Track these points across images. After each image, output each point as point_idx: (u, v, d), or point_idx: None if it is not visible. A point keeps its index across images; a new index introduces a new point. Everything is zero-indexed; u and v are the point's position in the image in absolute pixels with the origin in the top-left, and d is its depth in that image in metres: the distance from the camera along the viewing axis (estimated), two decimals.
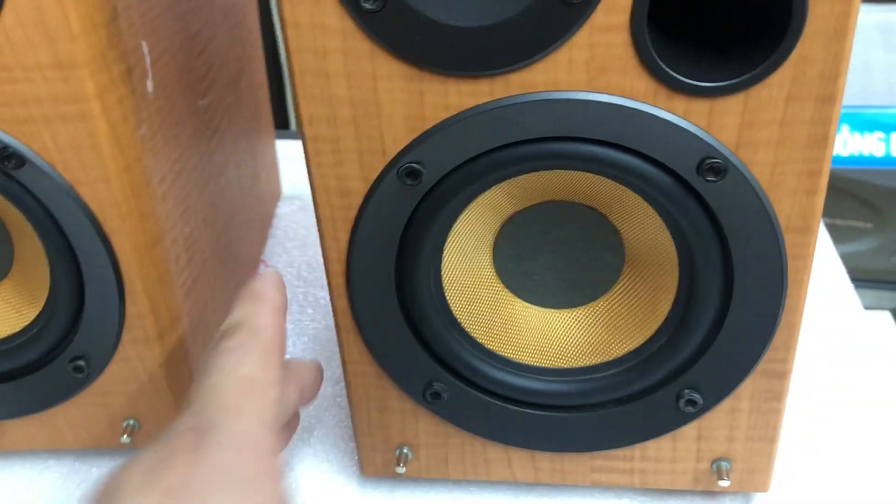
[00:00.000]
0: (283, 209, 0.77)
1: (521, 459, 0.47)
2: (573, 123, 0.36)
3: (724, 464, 0.46)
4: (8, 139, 0.40)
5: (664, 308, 0.42)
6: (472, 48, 0.34)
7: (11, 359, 0.48)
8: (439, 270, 0.42)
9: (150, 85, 0.44)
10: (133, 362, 0.47)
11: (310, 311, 0.64)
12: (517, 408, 0.45)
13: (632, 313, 0.43)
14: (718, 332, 0.41)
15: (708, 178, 0.36)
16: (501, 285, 0.44)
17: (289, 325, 0.62)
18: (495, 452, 0.47)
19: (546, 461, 0.47)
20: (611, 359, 0.44)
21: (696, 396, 0.42)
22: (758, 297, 0.39)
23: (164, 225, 0.46)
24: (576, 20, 0.33)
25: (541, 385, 0.44)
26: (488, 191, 0.40)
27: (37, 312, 0.47)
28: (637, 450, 0.46)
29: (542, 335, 0.45)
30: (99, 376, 0.48)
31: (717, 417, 0.44)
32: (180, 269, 0.49)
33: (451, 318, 0.43)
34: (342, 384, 0.56)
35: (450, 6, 0.33)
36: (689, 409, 0.43)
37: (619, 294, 0.44)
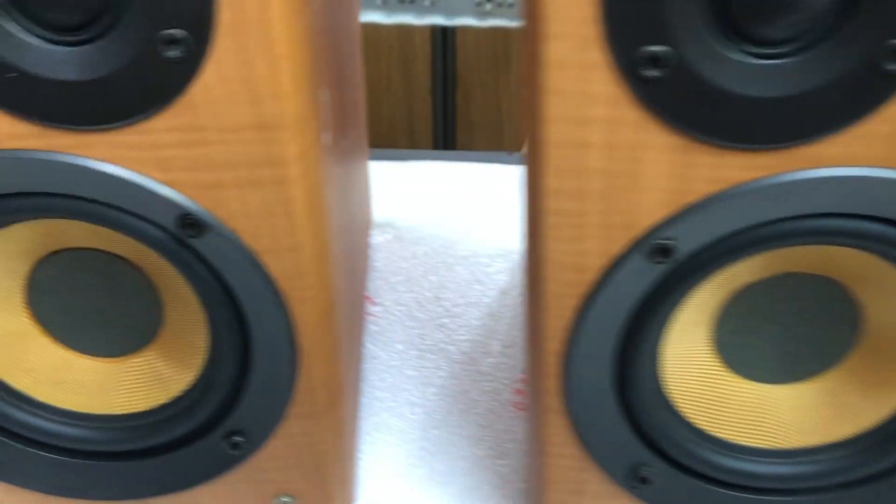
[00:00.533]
0: (376, 239, 0.73)
1: None
2: (861, 201, 0.32)
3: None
4: (191, 205, 0.35)
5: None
6: (761, 119, 0.30)
7: (158, 433, 0.43)
8: (656, 346, 0.38)
9: (327, 137, 0.40)
10: (296, 438, 0.43)
11: (431, 356, 0.60)
12: (732, 492, 0.41)
13: (861, 391, 0.40)
14: None
15: None
16: (719, 360, 0.40)
17: (411, 373, 0.58)
18: None
19: None
20: (836, 440, 0.40)
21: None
22: None
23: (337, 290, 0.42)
24: (891, 92, 0.29)
25: (758, 468, 0.41)
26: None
27: (188, 384, 0.43)
28: None
29: (759, 413, 0.41)
30: (255, 452, 0.43)
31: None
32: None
33: (664, 398, 0.40)
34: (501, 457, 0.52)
35: (744, 76, 0.30)
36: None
37: (849, 370, 0.40)
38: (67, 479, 0.44)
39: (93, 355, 0.43)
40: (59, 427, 0.43)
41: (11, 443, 0.43)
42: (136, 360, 0.43)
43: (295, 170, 0.35)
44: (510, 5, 1.72)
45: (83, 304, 0.42)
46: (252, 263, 0.37)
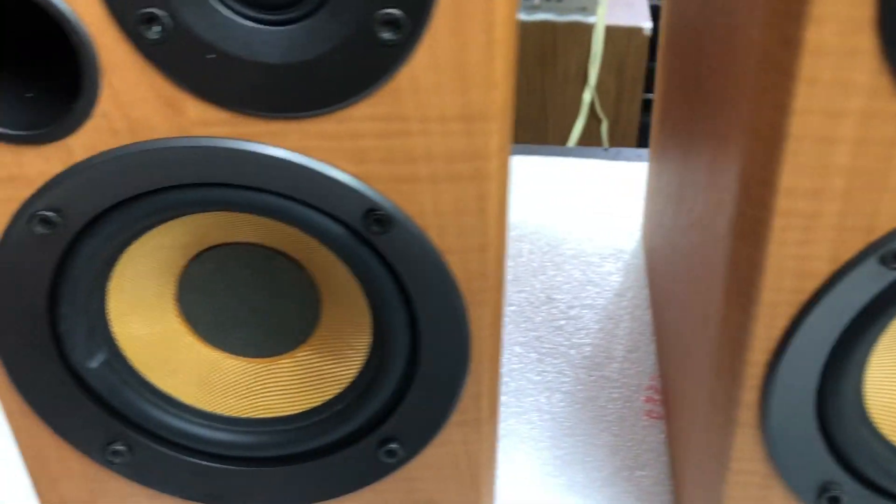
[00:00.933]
0: None
1: None
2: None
3: None
4: (381, 200, 0.33)
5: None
6: None
7: (307, 438, 0.41)
8: (865, 357, 0.36)
9: None
10: (455, 446, 0.41)
11: (552, 360, 0.58)
12: None
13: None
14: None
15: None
16: None
17: (534, 378, 0.56)
18: None
19: None
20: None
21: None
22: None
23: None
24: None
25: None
26: None
27: (343, 387, 0.41)
28: None
29: None
30: (410, 460, 0.41)
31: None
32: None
33: (864, 412, 0.37)
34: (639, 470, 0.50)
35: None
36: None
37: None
38: (210, 486, 0.42)
39: (241, 356, 0.41)
40: (204, 430, 0.41)
41: (155, 446, 0.41)
42: (287, 361, 0.41)
43: (494, 164, 0.33)
44: (558, 0, 1.70)
45: (235, 301, 0.40)
46: (436, 263, 0.35)
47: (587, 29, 1.65)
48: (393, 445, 0.40)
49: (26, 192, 0.33)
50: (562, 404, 0.54)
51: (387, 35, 0.29)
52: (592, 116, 1.76)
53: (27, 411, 0.39)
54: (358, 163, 0.32)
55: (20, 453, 0.41)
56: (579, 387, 0.56)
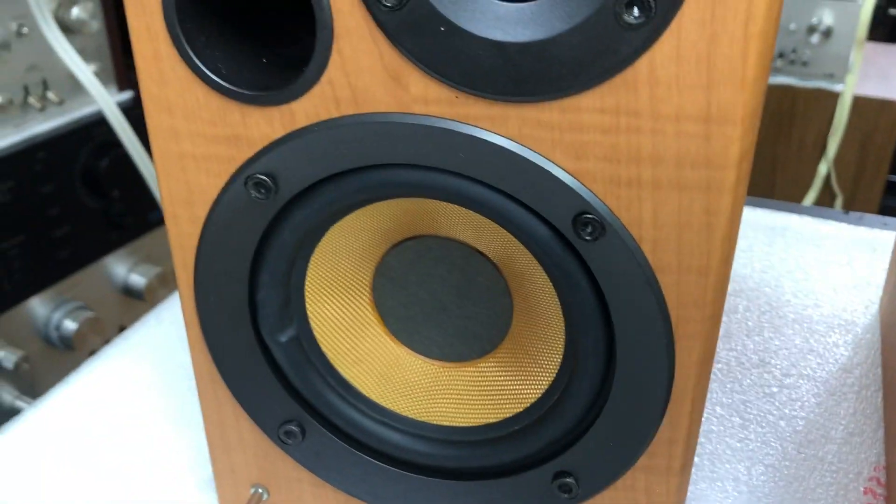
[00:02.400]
0: None
1: None
2: None
3: None
4: (595, 202, 0.30)
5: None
6: None
7: (478, 455, 0.39)
8: None
9: None
10: (637, 494, 0.37)
11: (757, 428, 0.52)
12: None
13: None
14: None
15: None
16: None
17: (734, 444, 0.50)
18: None
19: None
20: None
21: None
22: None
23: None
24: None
25: None
26: None
27: (523, 407, 0.38)
28: None
29: None
30: (584, 500, 0.38)
31: None
32: None
33: None
34: None
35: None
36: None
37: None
38: (373, 485, 0.40)
39: (425, 356, 0.40)
40: (377, 426, 0.40)
41: (327, 433, 0.40)
42: (470, 369, 0.39)
43: (731, 175, 0.29)
44: (803, 63, 1.59)
45: (427, 297, 0.38)
46: (648, 281, 0.31)
47: (831, 97, 1.54)
48: (569, 480, 0.37)
49: (247, 152, 0.33)
50: (762, 478, 0.48)
51: (631, 17, 0.26)
52: (826, 190, 1.63)
53: (215, 375, 0.40)
54: (576, 158, 0.30)
55: (203, 418, 0.41)
56: (786, 463, 0.49)
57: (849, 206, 1.61)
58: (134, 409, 0.54)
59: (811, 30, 1.55)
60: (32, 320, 1.10)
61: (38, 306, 1.10)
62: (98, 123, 1.10)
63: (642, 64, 0.27)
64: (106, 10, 1.12)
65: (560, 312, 0.35)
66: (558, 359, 0.36)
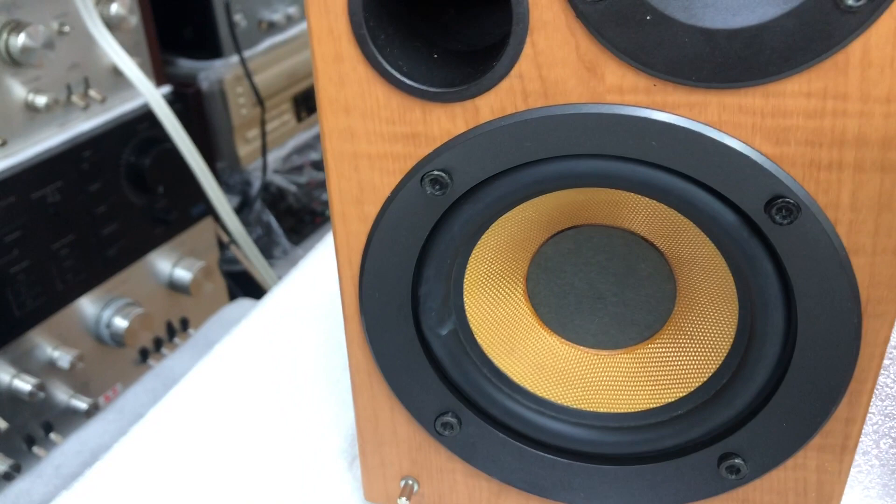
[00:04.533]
0: None
1: None
2: None
3: None
4: (792, 185, 0.30)
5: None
6: None
7: (640, 440, 0.39)
8: None
9: None
10: (808, 473, 0.37)
11: (877, 402, 0.52)
12: None
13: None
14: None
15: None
16: None
17: None
18: None
19: None
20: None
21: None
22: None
23: None
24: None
25: None
26: None
27: (688, 392, 0.38)
28: None
29: None
30: (752, 480, 0.38)
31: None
32: None
33: None
34: None
35: None
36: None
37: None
38: (531, 473, 0.41)
39: (580, 345, 0.40)
40: (534, 415, 0.40)
41: (484, 423, 0.40)
42: (628, 355, 0.39)
43: None
44: None
45: (583, 286, 0.38)
46: (840, 263, 0.31)
47: None
48: (737, 461, 0.37)
49: (425, 149, 0.33)
50: (892, 451, 0.49)
51: (852, 0, 0.26)
52: None
53: (372, 368, 0.40)
54: (776, 143, 0.30)
55: (355, 413, 0.41)
56: None
57: None
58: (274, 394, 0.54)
59: None
60: (84, 319, 1.10)
61: (88, 305, 1.10)
62: (140, 119, 1.10)
63: (856, 47, 0.27)
64: (142, 6, 1.11)
65: (734, 296, 0.35)
66: (728, 342, 0.36)
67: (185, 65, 1.26)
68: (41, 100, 0.98)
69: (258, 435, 0.52)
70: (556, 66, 0.30)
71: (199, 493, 0.48)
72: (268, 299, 0.66)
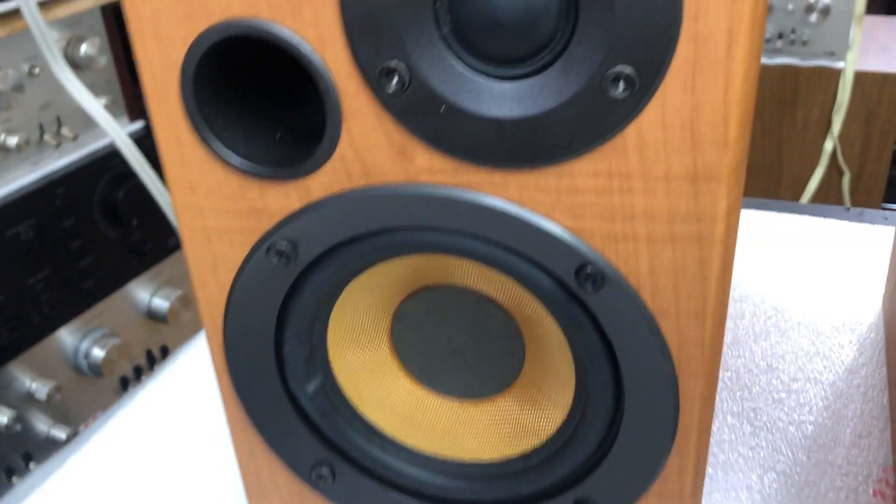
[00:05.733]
0: None
1: None
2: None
3: None
4: (594, 256, 0.32)
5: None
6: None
7: (501, 487, 0.41)
8: None
9: None
10: None
11: (767, 435, 0.54)
12: None
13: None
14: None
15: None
16: None
17: (745, 452, 0.52)
18: None
19: None
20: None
21: None
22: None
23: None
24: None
25: None
26: None
27: (541, 442, 0.40)
28: None
29: None
30: None
31: None
32: None
33: None
34: None
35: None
36: None
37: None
38: None
39: (445, 395, 0.42)
40: (403, 465, 0.42)
41: (357, 474, 0.42)
42: (487, 406, 0.41)
43: (720, 228, 0.31)
44: (803, 43, 1.60)
45: (443, 340, 0.40)
46: (649, 326, 0.33)
47: (833, 74, 1.54)
48: None
49: (267, 224, 0.35)
50: (774, 485, 0.50)
51: (617, 92, 0.28)
52: (833, 168, 1.63)
53: (247, 426, 0.42)
54: (574, 217, 0.32)
55: (238, 464, 0.44)
56: (797, 469, 0.51)
57: (856, 182, 1.61)
58: (174, 448, 0.57)
59: (809, 9, 1.55)
60: (62, 350, 1.13)
61: (66, 336, 1.13)
62: (112, 155, 1.13)
63: (630, 131, 0.29)
64: (113, 44, 1.14)
65: (569, 353, 0.37)
66: (570, 395, 0.38)
67: None
68: (13, 140, 1.02)
69: (163, 480, 0.54)
70: (371, 149, 0.32)
71: None
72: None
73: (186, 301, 1.27)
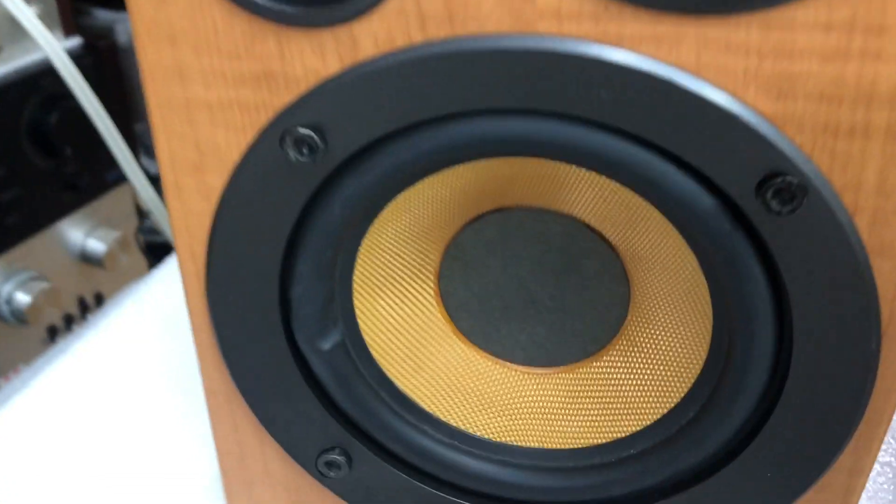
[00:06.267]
0: None
1: None
2: None
3: None
4: (796, 157, 0.21)
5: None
6: None
7: (579, 488, 0.30)
8: None
9: None
10: None
11: None
12: None
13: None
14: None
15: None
16: None
17: None
18: None
19: None
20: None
21: None
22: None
23: None
24: None
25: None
26: None
27: (641, 425, 0.29)
28: None
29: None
30: None
31: None
32: None
33: None
34: None
35: None
36: None
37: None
38: None
39: (506, 360, 0.31)
40: (446, 450, 0.31)
41: (381, 461, 0.31)
42: (565, 375, 0.30)
43: None
44: None
45: (512, 289, 0.29)
46: (858, 267, 0.22)
47: None
48: None
49: (285, 96, 0.23)
50: (881, 479, 0.41)
51: None
52: None
53: (233, 395, 0.30)
54: (779, 97, 0.21)
55: (215, 445, 0.32)
56: None
57: None
58: (126, 400, 0.44)
59: None
60: None
61: None
62: (45, 73, 0.98)
63: None
64: None
65: (708, 307, 0.26)
66: (698, 366, 0.28)
67: (102, 15, 1.14)
68: None
69: (100, 465, 0.42)
70: None
71: None
72: (168, 265, 0.56)
73: (126, 244, 1.13)
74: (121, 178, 1.13)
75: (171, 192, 0.26)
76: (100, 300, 1.17)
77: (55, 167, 1.04)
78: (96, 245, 1.12)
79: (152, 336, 0.50)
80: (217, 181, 0.25)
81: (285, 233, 0.26)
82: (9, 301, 1.02)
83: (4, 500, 0.40)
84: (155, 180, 1.19)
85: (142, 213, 1.20)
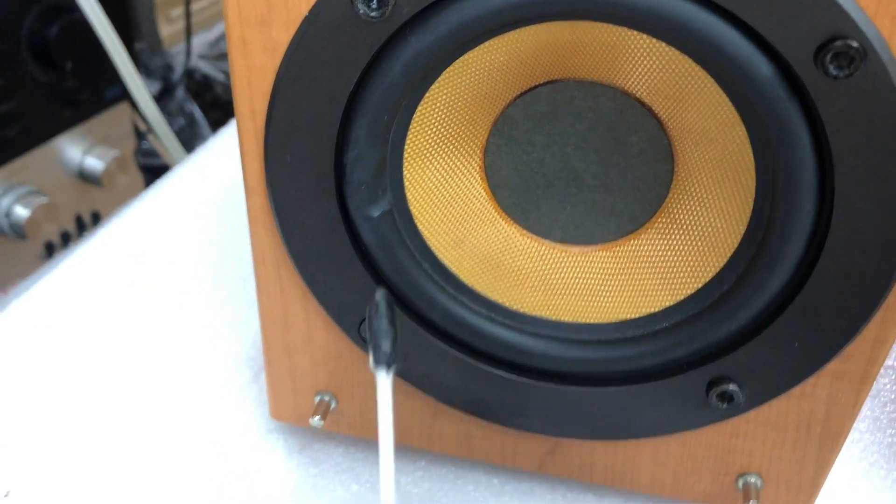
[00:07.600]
0: None
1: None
2: None
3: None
4: (859, 18, 0.22)
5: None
6: None
7: (612, 358, 0.31)
8: None
9: None
10: (815, 402, 0.30)
11: None
12: None
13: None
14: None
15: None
16: None
17: None
18: None
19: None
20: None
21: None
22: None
23: None
24: None
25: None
26: None
27: (674, 300, 0.31)
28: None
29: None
30: (746, 411, 0.31)
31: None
32: None
33: None
34: None
35: None
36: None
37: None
38: (475, 393, 0.33)
39: (544, 237, 0.32)
40: (483, 322, 0.32)
41: (420, 329, 0.32)
42: (602, 253, 0.31)
43: None
44: None
45: (556, 165, 0.30)
46: None
47: None
48: (730, 387, 0.30)
49: None
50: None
51: None
52: None
53: (282, 257, 0.31)
54: None
55: (259, 314, 0.33)
56: None
57: None
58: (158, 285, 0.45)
59: None
60: None
61: None
62: None
63: None
64: None
65: (752, 179, 0.27)
66: (736, 238, 0.29)
67: None
68: None
69: (142, 342, 0.43)
70: None
71: (77, 408, 0.39)
72: (164, 183, 0.57)
73: (124, 163, 1.12)
74: (119, 97, 1.12)
75: (236, 46, 0.26)
76: (96, 219, 1.16)
77: (54, 81, 1.02)
78: (94, 163, 1.11)
79: (141, 253, 0.51)
80: (283, 35, 0.26)
81: (346, 92, 0.27)
82: (8, 214, 1.02)
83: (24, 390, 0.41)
84: (155, 99, 1.18)
85: (140, 134, 1.19)
